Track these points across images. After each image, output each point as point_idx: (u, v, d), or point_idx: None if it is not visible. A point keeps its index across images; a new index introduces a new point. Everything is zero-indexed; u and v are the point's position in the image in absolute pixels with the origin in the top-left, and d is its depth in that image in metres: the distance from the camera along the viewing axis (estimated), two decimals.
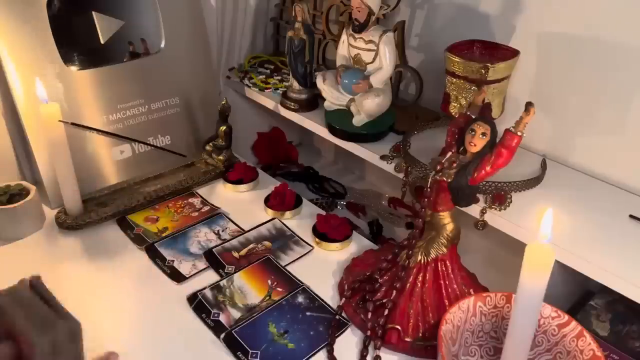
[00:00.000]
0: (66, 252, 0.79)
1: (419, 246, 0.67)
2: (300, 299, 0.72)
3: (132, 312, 0.69)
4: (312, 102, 0.98)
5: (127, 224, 0.85)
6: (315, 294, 0.72)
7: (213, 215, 0.88)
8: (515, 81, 0.81)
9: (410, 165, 0.78)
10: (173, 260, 0.78)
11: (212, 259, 0.78)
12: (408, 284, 0.67)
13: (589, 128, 0.79)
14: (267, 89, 1.07)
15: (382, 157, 0.84)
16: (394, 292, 0.66)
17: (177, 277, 0.75)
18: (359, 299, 0.69)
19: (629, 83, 0.73)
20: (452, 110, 0.80)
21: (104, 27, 0.88)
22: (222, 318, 0.68)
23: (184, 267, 0.77)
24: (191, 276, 0.75)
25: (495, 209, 0.70)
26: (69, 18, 0.86)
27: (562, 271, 0.65)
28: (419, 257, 0.67)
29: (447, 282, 0.67)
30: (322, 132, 0.93)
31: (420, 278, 0.67)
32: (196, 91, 0.99)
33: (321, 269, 0.78)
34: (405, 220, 1.01)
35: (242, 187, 0.95)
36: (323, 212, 0.88)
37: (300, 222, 0.88)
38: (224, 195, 0.94)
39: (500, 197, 0.71)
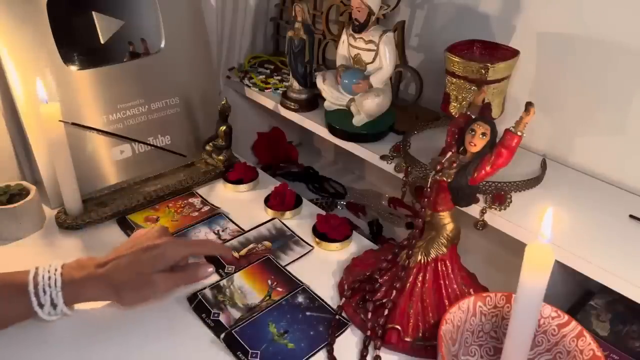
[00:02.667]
0: (66, 252, 0.79)
1: (419, 246, 0.67)
2: (300, 299, 0.72)
3: (131, 312, 0.69)
4: (312, 102, 0.98)
5: (127, 224, 0.85)
6: (315, 294, 0.72)
7: (213, 215, 0.88)
8: (515, 81, 0.81)
9: (410, 165, 0.78)
10: None
11: (212, 258, 0.78)
12: (408, 284, 0.67)
13: (589, 128, 0.79)
14: (267, 89, 1.07)
15: (382, 157, 0.84)
16: (394, 292, 0.66)
17: None
18: (359, 299, 0.69)
19: (629, 83, 0.73)
20: (452, 110, 0.80)
21: (104, 27, 0.88)
22: (222, 318, 0.68)
23: None
24: None
25: (495, 209, 0.70)
26: (69, 18, 0.86)
27: (562, 271, 0.65)
28: (419, 257, 0.67)
29: (447, 282, 0.67)
30: (322, 132, 0.93)
31: (420, 278, 0.67)
32: (196, 91, 0.99)
33: (321, 269, 0.78)
34: (405, 220, 1.01)
35: (242, 187, 0.95)
36: (323, 212, 0.88)
37: (300, 222, 0.88)
38: (224, 195, 0.94)
39: (500, 197, 0.71)
